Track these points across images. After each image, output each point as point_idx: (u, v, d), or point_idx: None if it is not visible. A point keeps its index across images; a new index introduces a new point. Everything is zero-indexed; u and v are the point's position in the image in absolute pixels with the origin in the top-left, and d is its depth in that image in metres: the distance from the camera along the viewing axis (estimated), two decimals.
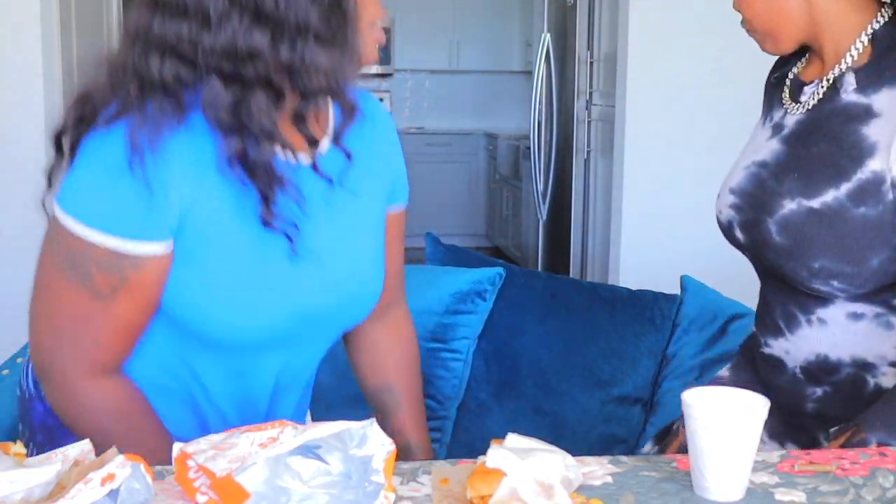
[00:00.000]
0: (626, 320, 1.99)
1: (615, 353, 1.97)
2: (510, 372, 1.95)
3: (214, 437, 1.00)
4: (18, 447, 1.03)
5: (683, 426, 1.22)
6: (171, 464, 0.98)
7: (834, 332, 1.31)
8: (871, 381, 1.32)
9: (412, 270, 1.99)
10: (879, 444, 1.19)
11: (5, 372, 1.71)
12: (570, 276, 4.40)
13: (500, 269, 1.93)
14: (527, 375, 1.94)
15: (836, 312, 1.30)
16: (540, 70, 4.98)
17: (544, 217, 5.10)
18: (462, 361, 1.90)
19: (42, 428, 1.22)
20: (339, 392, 1.89)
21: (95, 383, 1.16)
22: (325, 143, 1.22)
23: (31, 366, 1.25)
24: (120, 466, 0.93)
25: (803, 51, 1.39)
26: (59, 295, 1.13)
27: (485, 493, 0.98)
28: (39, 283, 1.15)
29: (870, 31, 1.27)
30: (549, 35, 4.93)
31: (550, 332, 1.93)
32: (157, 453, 1.09)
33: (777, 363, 1.38)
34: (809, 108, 1.33)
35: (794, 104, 1.36)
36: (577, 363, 1.96)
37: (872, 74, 1.27)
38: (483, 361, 1.99)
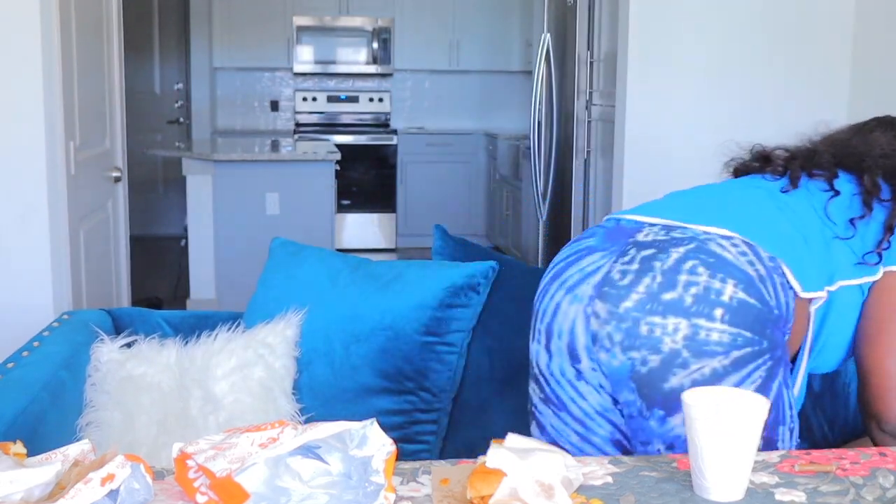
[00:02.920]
0: None
1: None
2: (512, 369, 1.94)
3: (215, 437, 1.00)
4: (18, 447, 1.03)
5: None
6: None
7: None
8: None
9: (408, 265, 1.99)
10: None
11: (10, 365, 1.71)
12: None
13: (493, 263, 1.93)
14: (529, 373, 1.93)
15: None
16: (540, 70, 4.98)
17: (544, 217, 5.09)
18: (457, 354, 1.90)
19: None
20: (335, 386, 1.89)
21: None
22: None
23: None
24: (119, 466, 0.93)
25: None
26: None
27: (485, 493, 0.98)
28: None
29: None
30: (549, 35, 4.93)
31: None
32: None
33: None
34: None
35: None
36: None
37: None
38: (487, 359, 1.98)
